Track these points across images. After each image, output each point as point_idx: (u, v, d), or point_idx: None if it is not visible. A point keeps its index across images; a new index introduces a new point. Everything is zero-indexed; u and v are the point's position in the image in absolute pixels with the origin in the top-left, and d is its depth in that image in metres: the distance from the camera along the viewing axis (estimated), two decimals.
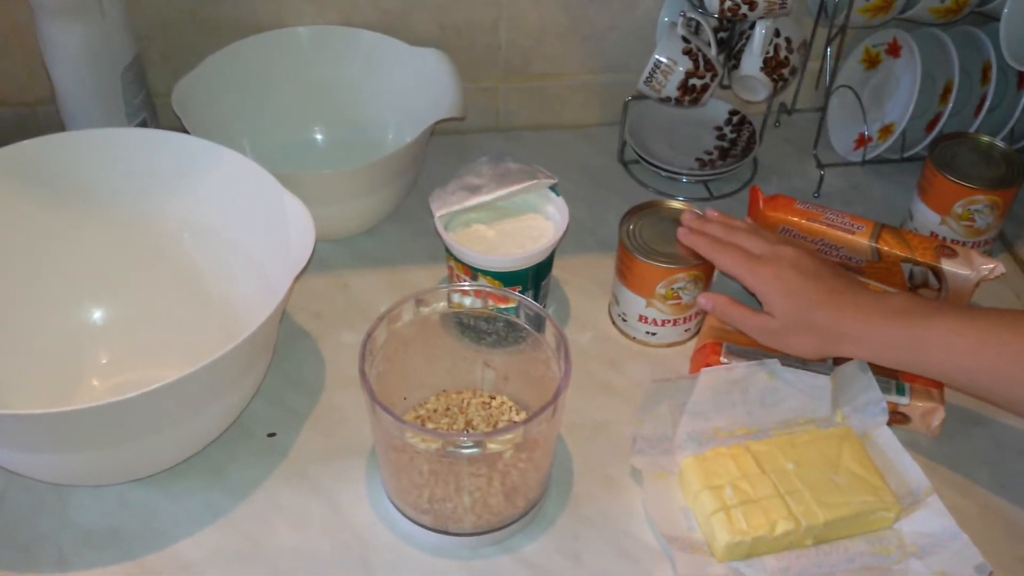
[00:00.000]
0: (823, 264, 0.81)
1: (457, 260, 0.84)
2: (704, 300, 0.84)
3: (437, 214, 0.85)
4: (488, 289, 0.76)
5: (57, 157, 0.84)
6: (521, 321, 0.75)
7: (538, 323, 0.74)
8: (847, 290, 0.79)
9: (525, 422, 0.67)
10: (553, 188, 0.87)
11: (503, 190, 0.85)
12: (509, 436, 0.68)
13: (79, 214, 0.85)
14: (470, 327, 0.78)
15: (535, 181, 0.86)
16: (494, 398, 0.81)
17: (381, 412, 0.67)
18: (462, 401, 0.80)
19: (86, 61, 0.89)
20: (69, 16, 0.87)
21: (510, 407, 0.80)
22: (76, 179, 0.85)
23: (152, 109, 0.98)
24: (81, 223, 0.85)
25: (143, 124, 0.96)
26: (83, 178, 0.85)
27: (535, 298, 0.86)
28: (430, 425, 0.78)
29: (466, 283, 0.82)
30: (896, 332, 0.76)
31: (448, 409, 0.79)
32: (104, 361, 0.85)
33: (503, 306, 0.75)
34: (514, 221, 0.87)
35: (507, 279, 0.83)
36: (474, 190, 0.85)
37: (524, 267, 0.83)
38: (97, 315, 0.87)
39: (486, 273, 0.83)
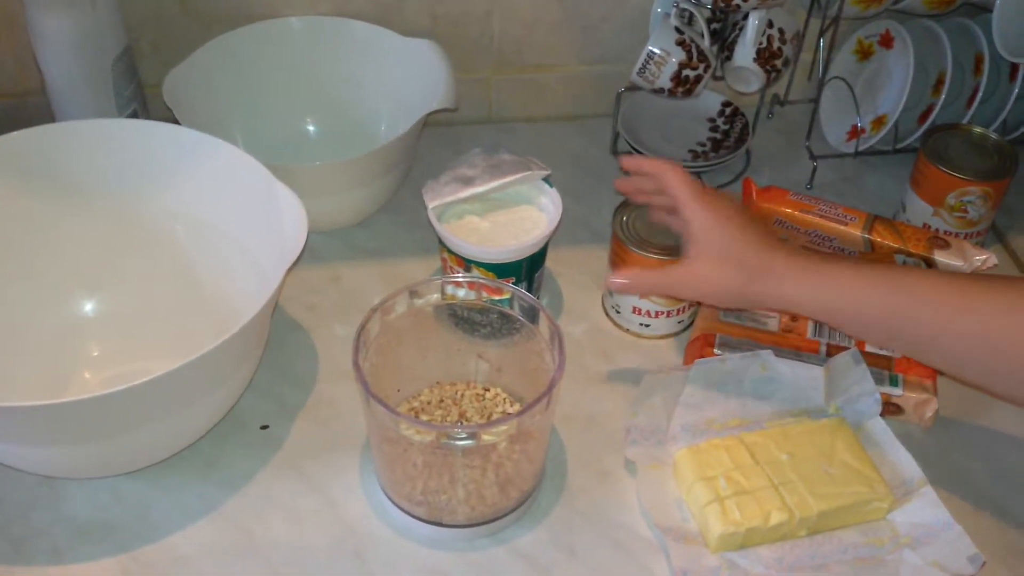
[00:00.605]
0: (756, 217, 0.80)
1: (451, 252, 0.84)
2: (616, 283, 0.79)
3: (430, 205, 0.84)
4: (482, 280, 0.76)
5: (47, 148, 0.83)
6: (515, 313, 0.75)
7: (532, 315, 0.74)
8: (776, 238, 0.78)
9: (519, 414, 0.67)
10: (546, 179, 0.86)
11: (496, 181, 0.85)
12: (503, 428, 0.68)
13: (69, 206, 0.85)
14: (464, 319, 0.78)
15: (529, 172, 0.85)
16: (488, 390, 0.80)
17: (375, 404, 0.67)
18: (456, 393, 0.80)
19: (76, 51, 0.88)
20: (59, 6, 0.86)
21: (504, 399, 0.80)
22: (66, 170, 0.84)
23: (143, 100, 0.97)
24: (72, 215, 0.85)
25: (134, 115, 0.95)
26: (74, 169, 0.84)
27: (528, 290, 0.86)
28: (424, 417, 0.78)
29: (459, 275, 0.82)
30: (827, 269, 0.74)
31: (442, 401, 0.79)
32: (96, 353, 0.85)
33: (497, 298, 0.75)
34: (508, 212, 0.86)
35: (500, 271, 0.83)
36: (467, 181, 0.85)
37: (517, 259, 0.83)
38: (89, 307, 0.87)
39: (479, 264, 0.83)
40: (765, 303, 0.76)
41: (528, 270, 0.85)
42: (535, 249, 0.84)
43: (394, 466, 0.72)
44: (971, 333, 0.69)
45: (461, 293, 0.76)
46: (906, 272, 0.75)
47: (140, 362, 0.82)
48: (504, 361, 0.80)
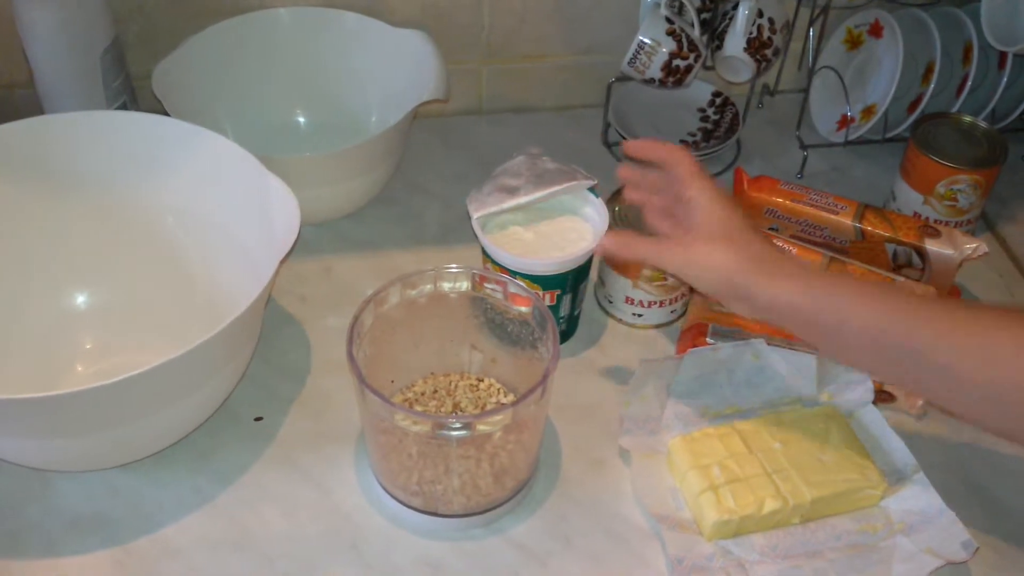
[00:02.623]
0: None
1: (495, 263, 0.82)
2: (606, 245, 0.75)
3: (475, 216, 0.82)
4: (478, 272, 0.76)
5: (36, 141, 0.82)
6: (507, 304, 0.75)
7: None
8: (772, 240, 0.75)
9: (514, 404, 0.67)
10: (592, 189, 0.84)
11: (541, 191, 0.82)
12: (498, 418, 0.68)
13: (60, 199, 0.84)
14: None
15: (574, 183, 0.83)
16: (482, 380, 0.80)
17: (370, 395, 0.67)
18: (450, 383, 0.80)
19: (64, 43, 0.88)
20: None
21: (498, 389, 0.80)
22: (56, 163, 0.84)
23: (131, 92, 0.96)
24: (62, 208, 0.84)
25: (123, 107, 0.95)
26: (63, 162, 0.84)
27: (573, 301, 0.84)
28: (418, 408, 0.78)
29: (453, 266, 0.80)
30: (826, 275, 0.71)
31: (436, 392, 0.79)
32: (88, 346, 0.84)
33: (520, 307, 0.75)
34: (552, 223, 0.84)
35: (546, 283, 0.81)
36: (512, 191, 0.82)
37: (563, 271, 0.81)
38: (81, 300, 0.86)
39: (525, 277, 0.81)
40: (750, 297, 0.70)
41: (573, 282, 0.83)
42: (582, 261, 0.82)
43: (389, 457, 0.72)
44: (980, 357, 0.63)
45: (464, 285, 0.76)
46: (907, 292, 0.71)
47: (132, 355, 0.82)
48: (498, 351, 0.80)
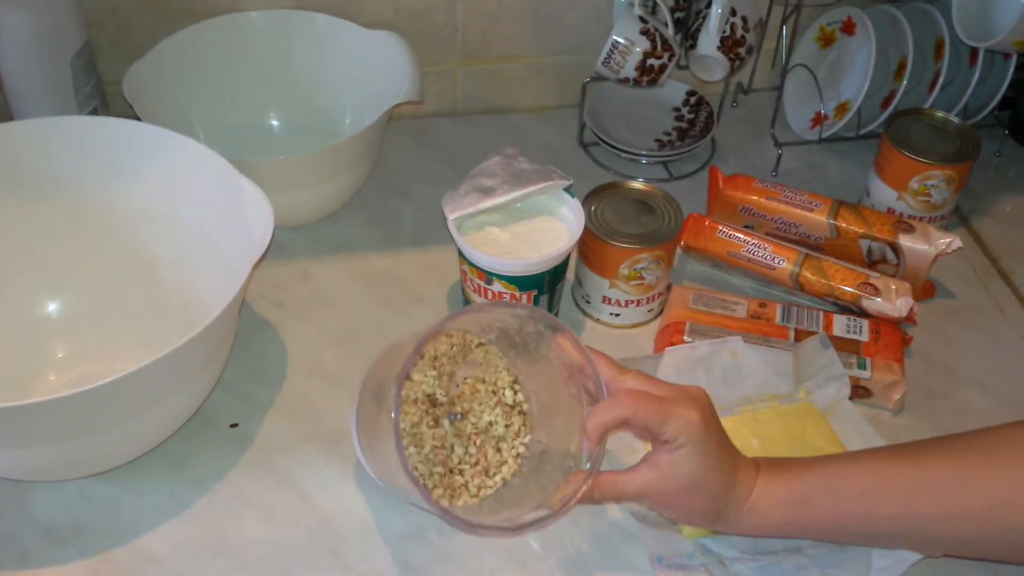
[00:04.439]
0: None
1: (471, 264, 0.82)
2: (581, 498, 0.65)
3: (450, 217, 0.81)
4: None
5: (6, 147, 0.82)
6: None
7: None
8: (733, 448, 0.68)
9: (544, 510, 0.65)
10: (567, 189, 0.84)
11: (517, 192, 0.82)
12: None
13: (30, 205, 0.83)
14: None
15: (550, 183, 0.83)
16: (482, 344, 0.74)
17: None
18: (450, 346, 0.74)
19: (34, 47, 0.87)
20: (17, 2, 0.85)
21: (500, 371, 0.75)
22: (27, 169, 0.83)
23: (103, 97, 0.96)
24: (33, 214, 0.84)
25: (94, 112, 0.94)
26: (33, 168, 0.83)
27: (550, 301, 0.84)
28: (417, 377, 0.72)
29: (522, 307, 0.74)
30: (794, 484, 0.67)
31: (436, 359, 0.73)
32: (61, 355, 0.84)
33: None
34: (528, 223, 0.84)
35: (523, 283, 0.81)
36: (487, 192, 0.82)
37: (541, 271, 0.81)
38: (52, 308, 0.85)
39: (501, 277, 0.81)
40: (722, 527, 0.69)
41: (550, 282, 0.83)
42: (559, 260, 0.82)
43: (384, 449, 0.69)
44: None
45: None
46: (890, 461, 0.68)
47: (106, 362, 0.81)
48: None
